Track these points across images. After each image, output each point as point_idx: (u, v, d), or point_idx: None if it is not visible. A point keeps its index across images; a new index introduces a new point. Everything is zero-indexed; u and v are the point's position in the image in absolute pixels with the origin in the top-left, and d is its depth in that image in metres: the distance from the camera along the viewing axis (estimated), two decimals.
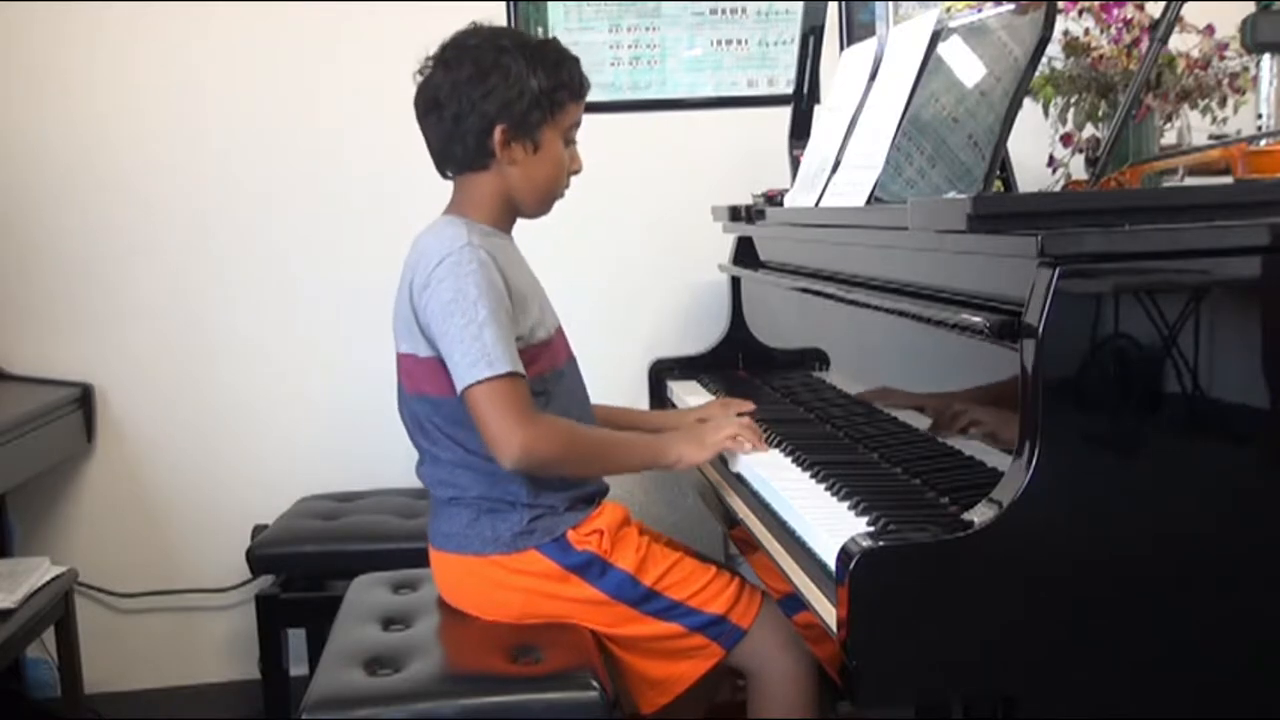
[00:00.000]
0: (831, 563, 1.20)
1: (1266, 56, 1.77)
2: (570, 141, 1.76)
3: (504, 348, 1.57)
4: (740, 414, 1.93)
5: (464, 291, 1.58)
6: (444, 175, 1.76)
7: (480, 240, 1.63)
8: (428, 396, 1.68)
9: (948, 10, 1.74)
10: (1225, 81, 1.96)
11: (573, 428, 1.65)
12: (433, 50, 1.71)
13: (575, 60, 1.73)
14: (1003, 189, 1.78)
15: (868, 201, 1.71)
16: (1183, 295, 1.19)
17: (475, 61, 1.66)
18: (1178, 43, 1.94)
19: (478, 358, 1.56)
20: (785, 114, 2.48)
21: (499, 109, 1.66)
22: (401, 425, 1.76)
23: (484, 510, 1.69)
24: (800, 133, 2.41)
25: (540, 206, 1.77)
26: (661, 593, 1.69)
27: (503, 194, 1.73)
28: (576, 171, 1.78)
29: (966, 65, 1.57)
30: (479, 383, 1.56)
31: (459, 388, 1.58)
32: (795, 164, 2.32)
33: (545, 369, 1.71)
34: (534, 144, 1.69)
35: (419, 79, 1.72)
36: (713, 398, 2.23)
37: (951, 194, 1.44)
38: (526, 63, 1.66)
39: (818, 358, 2.05)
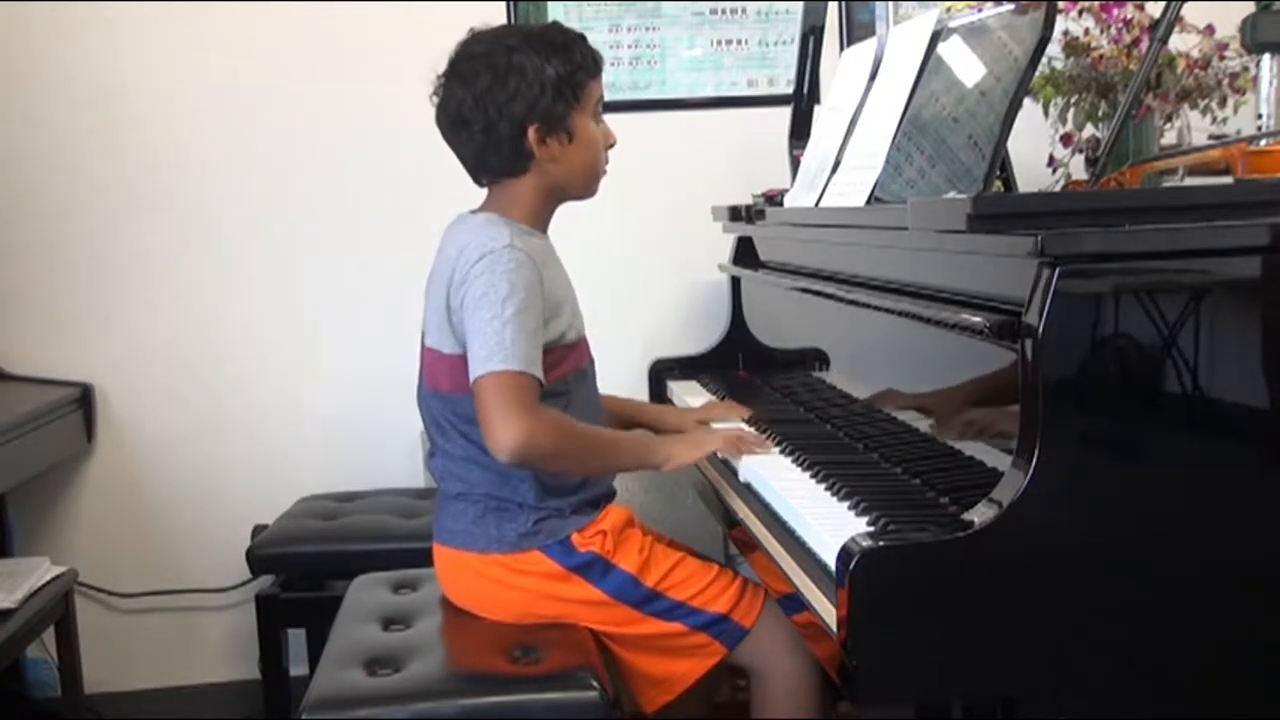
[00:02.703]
0: (831, 563, 1.20)
1: (1266, 56, 1.77)
2: (599, 118, 1.75)
3: (522, 347, 1.57)
4: (743, 419, 1.95)
5: (495, 287, 1.58)
6: (480, 184, 1.76)
7: (521, 241, 1.63)
8: (443, 393, 1.69)
9: (948, 10, 1.74)
10: (1225, 81, 1.96)
11: (569, 424, 1.65)
12: (440, 67, 1.70)
13: (582, 38, 1.72)
14: (1003, 189, 1.78)
15: (868, 201, 1.71)
16: (1183, 295, 1.19)
17: (490, 68, 1.65)
18: (1178, 43, 1.94)
19: (493, 351, 1.56)
20: (785, 114, 2.48)
21: (526, 109, 1.65)
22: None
23: (491, 508, 1.69)
24: (800, 133, 2.42)
25: (588, 190, 1.78)
26: (664, 593, 1.69)
27: (544, 192, 1.72)
28: (612, 145, 1.78)
29: (966, 65, 1.57)
30: (488, 375, 1.56)
31: (471, 377, 1.59)
32: (795, 164, 2.32)
33: (570, 370, 1.71)
34: (568, 134, 1.69)
35: (434, 100, 1.71)
36: (713, 398, 2.23)
37: (951, 194, 1.44)
38: (539, 55, 1.65)
39: (818, 358, 2.05)
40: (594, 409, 1.79)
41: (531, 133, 1.66)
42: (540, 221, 1.75)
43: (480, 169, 1.72)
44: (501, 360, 1.55)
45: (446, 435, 1.71)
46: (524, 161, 1.69)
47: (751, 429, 1.90)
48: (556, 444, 1.60)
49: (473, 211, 1.74)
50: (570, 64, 1.67)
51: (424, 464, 1.78)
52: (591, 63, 1.71)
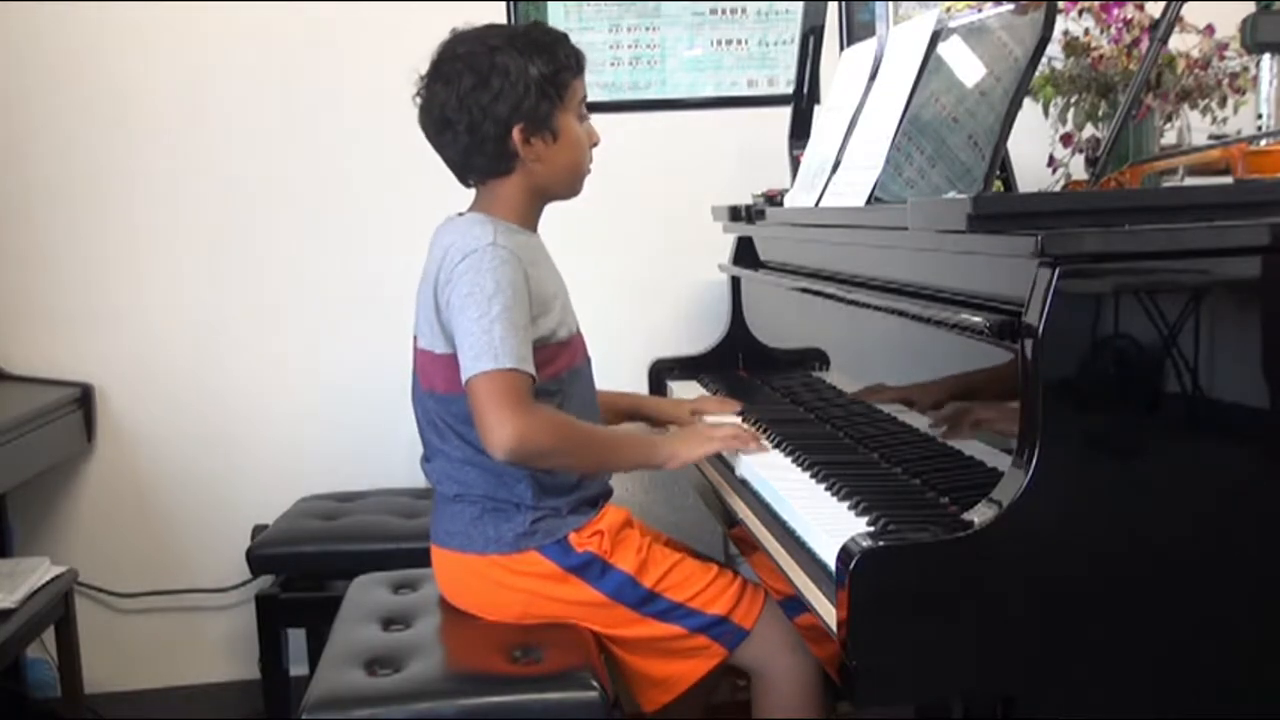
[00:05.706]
0: (831, 563, 1.20)
1: (1266, 56, 1.77)
2: (583, 117, 1.75)
3: (512, 344, 1.57)
4: (735, 412, 1.95)
5: (481, 286, 1.58)
6: (466, 185, 1.76)
7: (506, 239, 1.63)
8: (439, 394, 1.69)
9: (948, 10, 1.74)
10: (1225, 81, 1.96)
11: (567, 421, 1.65)
12: (423, 70, 1.70)
13: (565, 37, 1.72)
14: (1003, 189, 1.78)
15: (868, 201, 1.71)
16: (1183, 295, 1.19)
17: (473, 69, 1.65)
18: (1178, 43, 1.93)
19: (483, 350, 1.56)
20: (785, 114, 2.48)
21: (511, 109, 1.65)
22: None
23: (488, 509, 1.69)
24: (800, 133, 2.41)
25: (572, 189, 1.78)
26: (662, 594, 1.69)
27: (530, 191, 1.73)
28: (595, 144, 1.78)
29: (966, 65, 1.57)
30: (480, 374, 1.56)
31: (463, 378, 1.59)
32: (795, 164, 2.32)
33: (563, 368, 1.71)
34: (552, 133, 1.69)
35: (418, 102, 1.71)
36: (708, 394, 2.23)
37: (951, 194, 1.44)
38: (522, 55, 1.65)
39: (818, 358, 2.05)
40: (589, 408, 1.79)
41: (516, 133, 1.66)
42: (528, 220, 1.75)
43: (466, 170, 1.73)
44: (492, 359, 1.56)
45: (443, 436, 1.71)
46: (509, 162, 1.69)
47: (747, 426, 1.90)
48: (553, 441, 1.60)
49: (460, 213, 1.74)
50: (554, 63, 1.67)
51: (420, 466, 1.78)
52: (574, 62, 1.71)
